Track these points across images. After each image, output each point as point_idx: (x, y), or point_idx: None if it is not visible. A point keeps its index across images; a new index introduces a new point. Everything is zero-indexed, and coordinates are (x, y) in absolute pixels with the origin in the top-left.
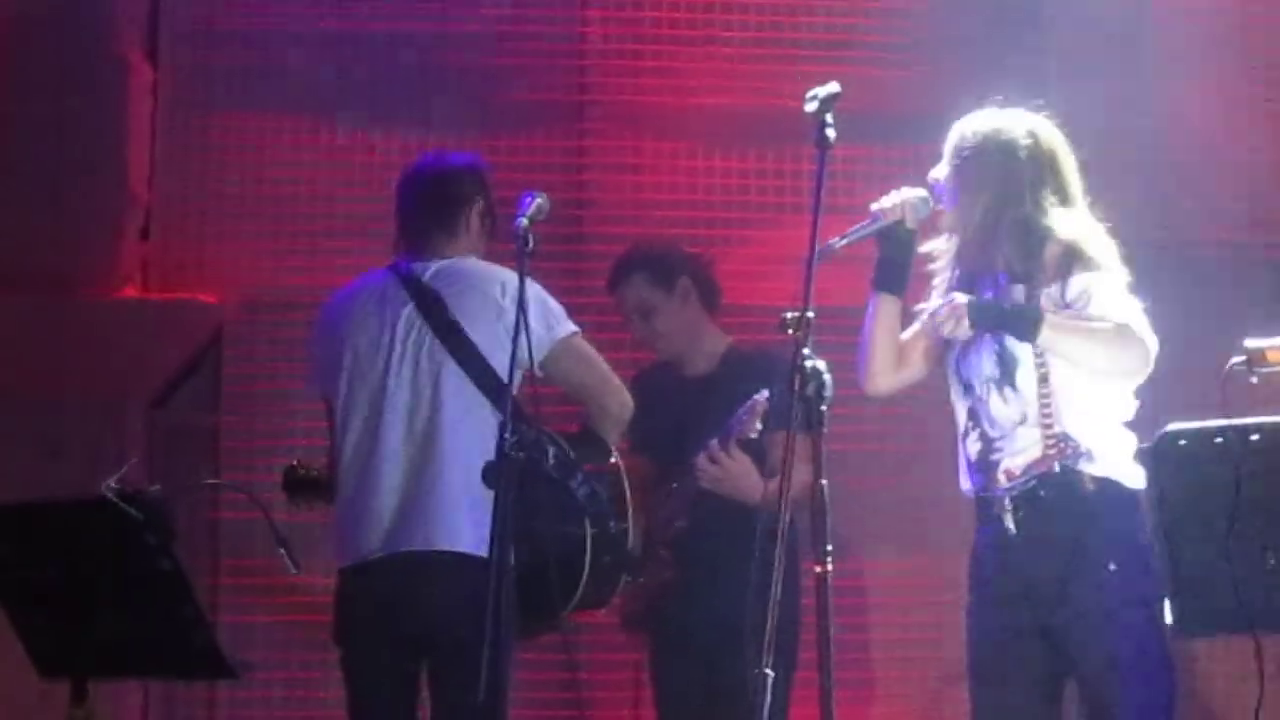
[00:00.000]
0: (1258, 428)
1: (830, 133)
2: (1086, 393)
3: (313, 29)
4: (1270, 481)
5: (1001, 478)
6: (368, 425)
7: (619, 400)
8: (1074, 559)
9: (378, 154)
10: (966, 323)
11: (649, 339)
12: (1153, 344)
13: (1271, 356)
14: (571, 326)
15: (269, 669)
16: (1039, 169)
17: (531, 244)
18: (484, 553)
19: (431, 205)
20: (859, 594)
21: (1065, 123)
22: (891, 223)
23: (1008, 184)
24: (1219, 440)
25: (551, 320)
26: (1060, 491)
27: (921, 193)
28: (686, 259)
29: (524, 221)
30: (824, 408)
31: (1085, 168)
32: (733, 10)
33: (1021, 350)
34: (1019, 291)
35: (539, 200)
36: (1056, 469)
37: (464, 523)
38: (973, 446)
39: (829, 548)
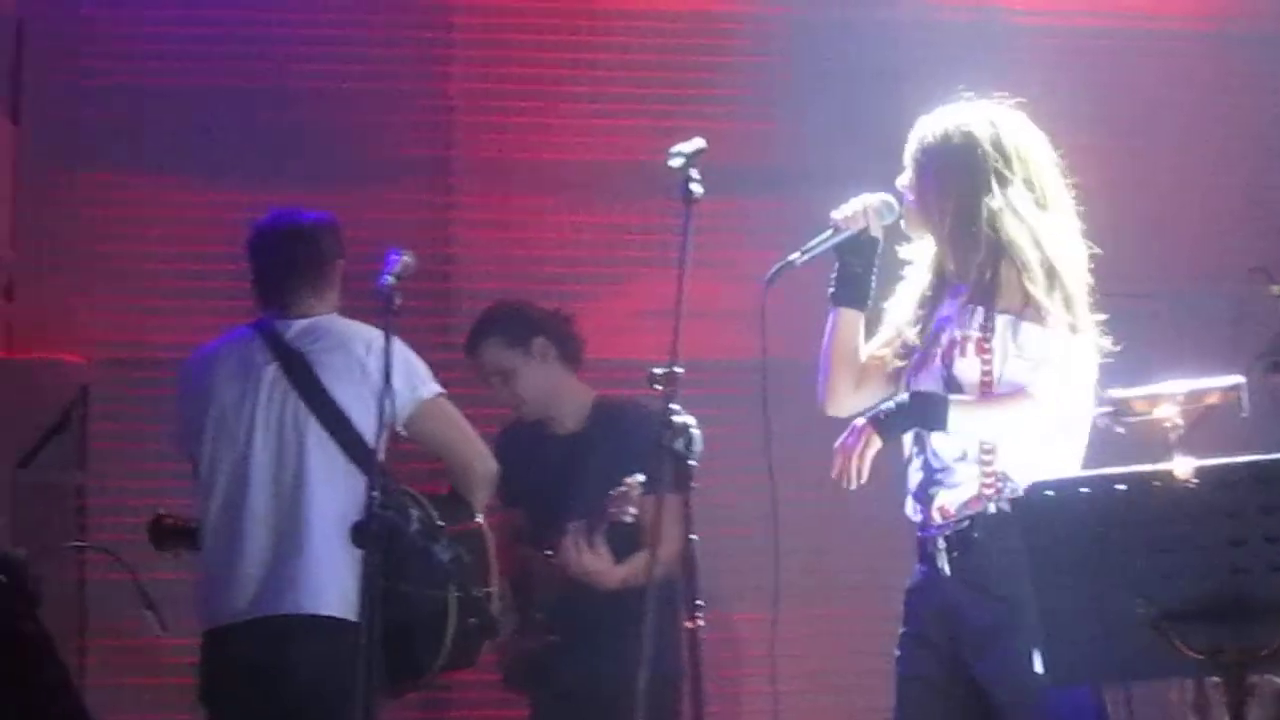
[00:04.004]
0: (1123, 478)
1: (696, 188)
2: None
3: (176, 86)
4: (1136, 531)
5: (936, 515)
6: (232, 487)
7: (484, 463)
8: (1008, 610)
9: (241, 211)
10: (879, 442)
11: (511, 402)
12: (1067, 412)
13: (1138, 406)
14: (436, 387)
15: None
16: (1006, 162)
17: (397, 302)
18: (348, 615)
19: (301, 264)
20: (732, 646)
21: None
22: (855, 232)
23: (974, 178)
24: (1085, 490)
25: (416, 380)
26: (994, 534)
27: (886, 197)
28: (542, 318)
29: (390, 279)
30: (692, 463)
31: None
32: (596, 66)
33: (969, 383)
34: (979, 314)
35: (405, 258)
36: (991, 509)
37: (329, 586)
38: (914, 476)
39: (699, 603)
